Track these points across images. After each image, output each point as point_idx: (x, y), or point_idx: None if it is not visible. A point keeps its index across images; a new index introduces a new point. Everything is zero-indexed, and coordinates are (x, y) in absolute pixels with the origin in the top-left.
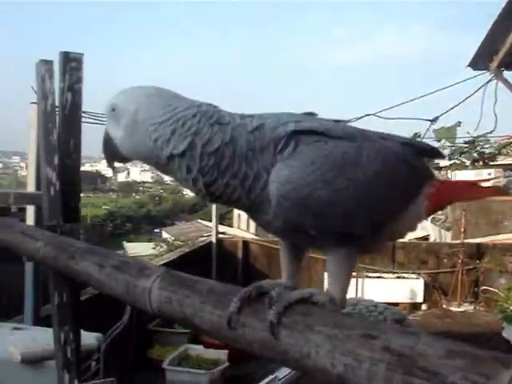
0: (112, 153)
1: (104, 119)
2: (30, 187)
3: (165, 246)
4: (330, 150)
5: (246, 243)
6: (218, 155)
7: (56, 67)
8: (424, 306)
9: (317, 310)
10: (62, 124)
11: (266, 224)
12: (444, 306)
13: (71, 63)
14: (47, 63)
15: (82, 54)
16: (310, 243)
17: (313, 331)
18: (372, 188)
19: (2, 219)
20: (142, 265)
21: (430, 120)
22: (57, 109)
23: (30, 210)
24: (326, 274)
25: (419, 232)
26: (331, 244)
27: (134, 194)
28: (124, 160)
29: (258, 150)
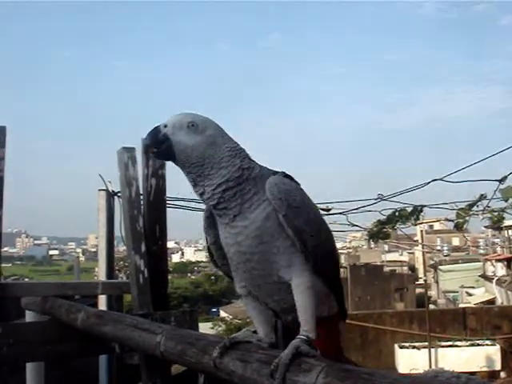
0: (162, 147)
1: (177, 134)
2: (101, 274)
3: (223, 325)
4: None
5: None
6: (243, 174)
7: (138, 153)
8: (503, 374)
9: None
10: (147, 210)
11: (236, 236)
12: None
13: None
14: (130, 150)
15: None
16: (266, 272)
17: None
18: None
19: (106, 313)
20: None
21: (498, 180)
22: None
23: (102, 298)
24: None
25: (484, 295)
26: (286, 267)
27: (189, 274)
28: (165, 155)
29: (263, 179)
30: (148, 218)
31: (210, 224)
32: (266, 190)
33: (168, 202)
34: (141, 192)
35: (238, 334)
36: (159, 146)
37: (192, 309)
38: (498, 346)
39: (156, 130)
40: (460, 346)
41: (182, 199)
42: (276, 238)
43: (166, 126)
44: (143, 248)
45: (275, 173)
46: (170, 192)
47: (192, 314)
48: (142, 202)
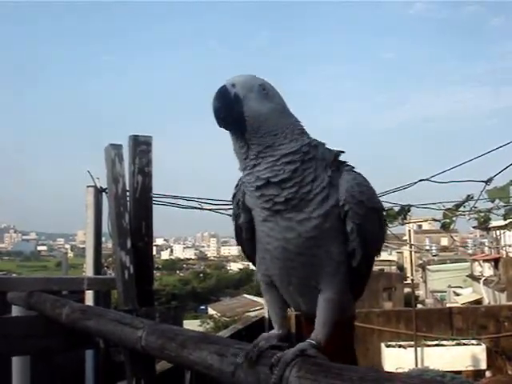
0: (233, 110)
1: (248, 97)
2: (89, 270)
3: (211, 323)
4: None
5: (298, 318)
6: (310, 152)
7: (125, 151)
8: (488, 373)
9: None
10: (133, 207)
11: (285, 231)
12: (510, 372)
13: (141, 146)
14: (117, 147)
15: (151, 137)
16: (306, 275)
17: None
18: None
19: (90, 307)
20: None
21: (484, 181)
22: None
23: (89, 294)
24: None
25: (472, 295)
26: (329, 275)
27: (177, 272)
28: (233, 121)
29: (322, 161)
30: (134, 214)
31: (244, 202)
32: (339, 184)
33: (155, 199)
34: (127, 189)
35: (259, 340)
36: (230, 110)
37: (177, 305)
38: (483, 346)
39: (225, 90)
40: (446, 346)
41: (174, 197)
42: (331, 242)
43: (234, 86)
44: (129, 244)
45: (339, 160)
46: (156, 189)
47: (176, 309)
48: (128, 199)
